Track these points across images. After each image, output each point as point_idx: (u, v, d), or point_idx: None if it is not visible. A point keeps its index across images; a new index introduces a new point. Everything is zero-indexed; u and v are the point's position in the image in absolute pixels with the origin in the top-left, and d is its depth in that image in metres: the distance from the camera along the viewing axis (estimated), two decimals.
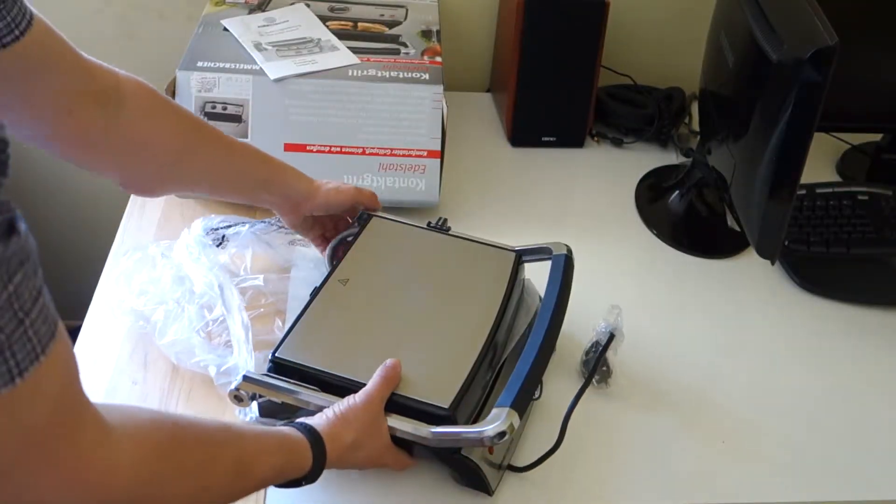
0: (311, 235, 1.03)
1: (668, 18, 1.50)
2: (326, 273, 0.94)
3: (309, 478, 0.74)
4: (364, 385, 0.80)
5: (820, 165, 1.37)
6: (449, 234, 1.00)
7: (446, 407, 0.78)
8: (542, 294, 0.93)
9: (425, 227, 1.00)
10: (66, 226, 1.67)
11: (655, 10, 1.49)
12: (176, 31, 1.40)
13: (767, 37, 0.96)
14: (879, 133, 1.39)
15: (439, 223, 1.01)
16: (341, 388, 0.81)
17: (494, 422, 0.76)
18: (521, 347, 0.85)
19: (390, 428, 0.79)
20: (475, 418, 0.83)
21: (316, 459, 0.74)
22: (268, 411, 0.86)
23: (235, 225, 1.06)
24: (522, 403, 0.78)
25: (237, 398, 0.83)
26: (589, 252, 1.15)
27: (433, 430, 0.78)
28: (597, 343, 0.96)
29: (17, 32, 0.67)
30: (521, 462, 0.87)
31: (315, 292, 0.90)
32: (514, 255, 0.97)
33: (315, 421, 0.77)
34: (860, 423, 0.98)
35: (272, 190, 0.96)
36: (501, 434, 0.75)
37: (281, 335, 0.86)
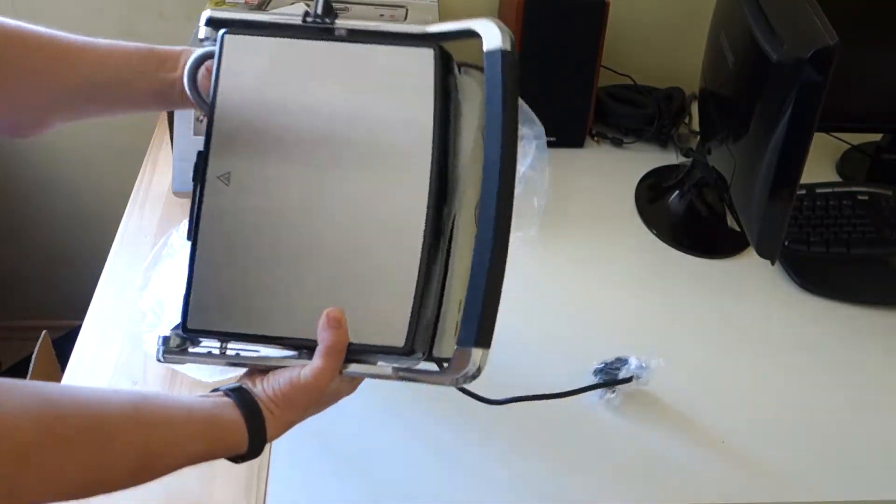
0: None
1: (668, 18, 1.50)
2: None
3: (246, 457, 0.66)
4: (302, 340, 0.69)
5: (820, 165, 1.37)
6: (337, 39, 0.72)
7: (401, 346, 0.69)
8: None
9: (301, 23, 0.72)
10: (67, 226, 1.67)
11: (655, 10, 1.49)
12: (176, 31, 1.40)
13: (767, 37, 0.96)
14: (879, 133, 1.39)
15: (318, 10, 0.72)
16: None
17: (464, 366, 0.66)
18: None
19: (348, 373, 0.69)
20: (439, 300, 0.72)
21: (253, 441, 0.65)
22: None
23: None
24: (486, 336, 0.66)
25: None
26: (589, 252, 1.15)
27: (396, 366, 0.69)
28: (623, 366, 0.96)
29: None
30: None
31: (198, 193, 0.70)
32: (431, 53, 0.74)
33: (257, 392, 0.67)
34: (860, 423, 0.98)
35: (177, 65, 0.74)
36: (475, 375, 0.66)
37: None
